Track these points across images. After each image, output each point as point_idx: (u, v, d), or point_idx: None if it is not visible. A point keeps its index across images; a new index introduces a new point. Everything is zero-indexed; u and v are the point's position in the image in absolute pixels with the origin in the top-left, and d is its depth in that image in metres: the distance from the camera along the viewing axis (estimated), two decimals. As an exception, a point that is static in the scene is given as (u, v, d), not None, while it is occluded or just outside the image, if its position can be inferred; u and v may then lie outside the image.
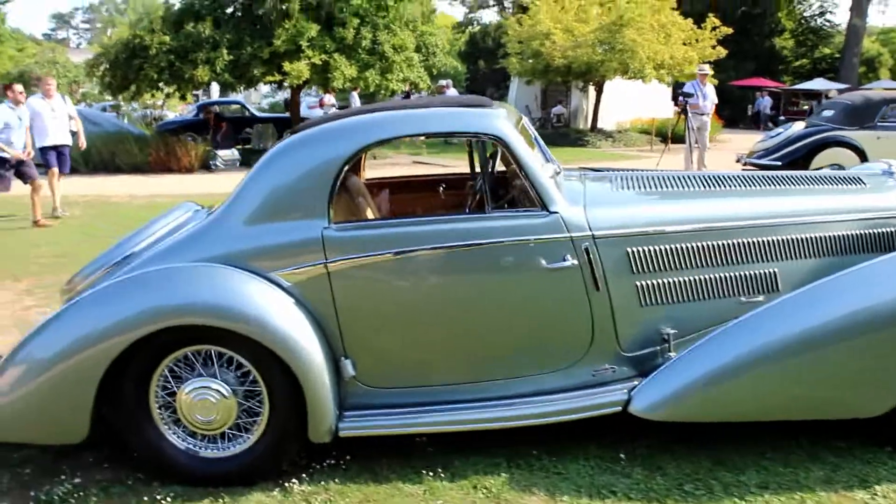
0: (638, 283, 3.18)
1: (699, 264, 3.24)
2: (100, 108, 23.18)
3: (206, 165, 15.45)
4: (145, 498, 2.96)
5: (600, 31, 19.92)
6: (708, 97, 12.22)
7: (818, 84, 31.30)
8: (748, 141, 16.98)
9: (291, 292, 3.05)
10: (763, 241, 3.29)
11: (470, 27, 45.40)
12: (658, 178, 3.64)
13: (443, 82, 22.64)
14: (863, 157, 11.01)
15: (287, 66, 14.54)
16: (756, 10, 35.54)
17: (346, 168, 3.14)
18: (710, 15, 20.59)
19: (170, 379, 3.03)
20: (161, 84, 15.55)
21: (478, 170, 4.26)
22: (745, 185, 3.59)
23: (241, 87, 16.71)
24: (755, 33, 35.22)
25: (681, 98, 12.41)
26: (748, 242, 3.28)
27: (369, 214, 3.81)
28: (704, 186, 3.57)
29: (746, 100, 32.67)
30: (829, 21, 39.43)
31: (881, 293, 3.04)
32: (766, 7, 36.05)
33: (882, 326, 2.99)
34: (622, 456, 3.16)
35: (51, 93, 9.76)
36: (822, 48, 38.54)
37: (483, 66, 38.39)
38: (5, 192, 9.06)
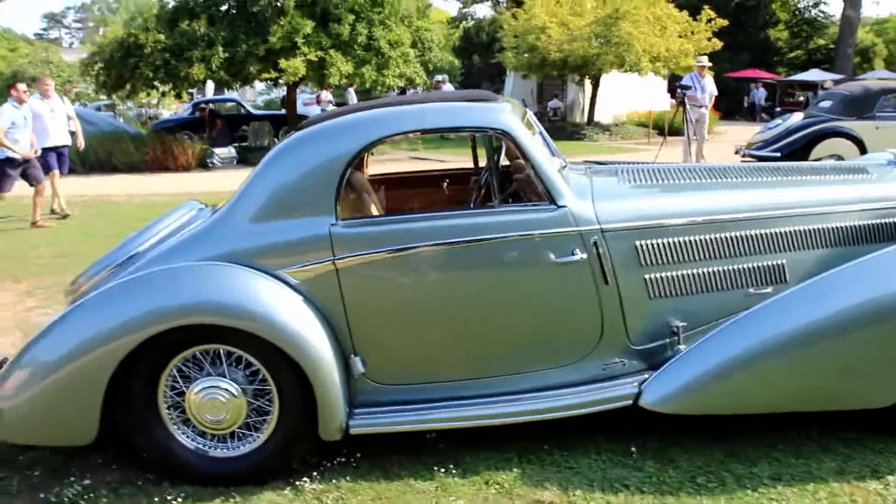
0: (647, 277, 3.17)
1: (708, 256, 3.23)
2: (94, 108, 23.07)
3: (203, 164, 15.40)
4: (156, 498, 2.95)
5: (596, 24, 19.93)
6: (706, 89, 12.19)
7: (813, 75, 31.33)
8: (744, 132, 17.00)
9: (299, 290, 3.04)
10: (771, 233, 3.29)
11: (464, 22, 45.32)
12: (664, 171, 3.63)
13: (439, 77, 22.65)
14: (861, 147, 11.01)
15: (283, 63, 14.50)
16: (750, 2, 35.52)
17: (353, 164, 3.13)
18: (705, 7, 20.57)
19: (178, 379, 3.02)
20: (156, 83, 15.50)
21: (481, 165, 4.25)
22: (751, 177, 3.58)
23: (238, 85, 16.65)
24: (749, 25, 35.22)
25: (679, 90, 12.40)
26: (756, 234, 3.27)
27: (374, 211, 3.78)
28: (711, 179, 3.56)
29: (742, 91, 32.66)
30: (823, 12, 39.45)
31: (887, 284, 3.04)
32: (760, -2, 36.08)
33: (888, 317, 3.00)
34: (633, 449, 3.15)
35: (49, 93, 9.70)
36: (817, 39, 38.55)
37: (477, 61, 38.33)
38: (7, 192, 9.02)
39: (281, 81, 16.25)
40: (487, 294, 3.11)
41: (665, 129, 15.31)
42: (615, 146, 18.95)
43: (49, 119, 9.41)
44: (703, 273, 3.23)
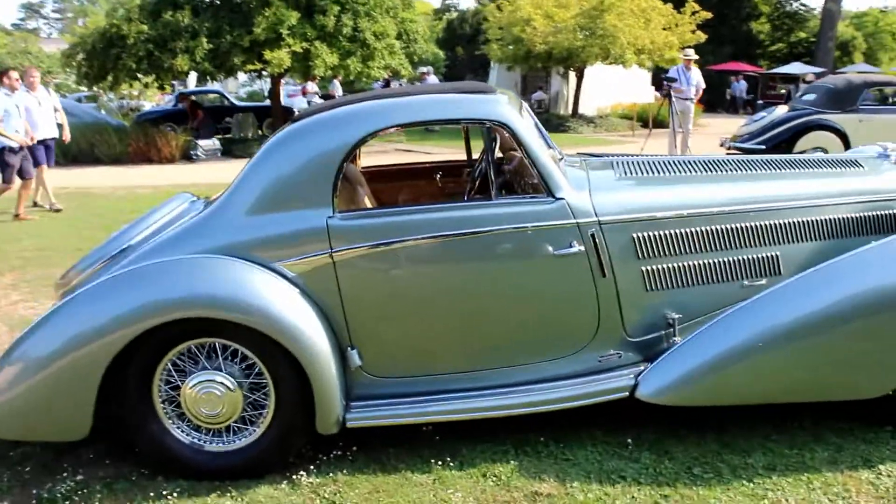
0: (643, 269, 3.18)
1: (704, 248, 3.25)
2: (74, 99, 22.75)
3: (186, 156, 15.24)
4: (151, 493, 2.93)
5: (581, 16, 19.93)
6: (692, 81, 12.24)
7: (795, 68, 31.52)
8: (727, 125, 17.10)
9: (296, 282, 3.02)
10: (765, 225, 3.31)
11: (447, 14, 45.20)
12: (660, 164, 3.64)
13: (423, 69, 22.56)
14: (845, 140, 11.12)
15: (268, 54, 14.35)
16: (733, -6, 35.69)
17: (351, 156, 3.11)
18: (689, -1, 20.65)
19: (173, 373, 2.99)
20: (140, 74, 15.29)
21: (475, 157, 4.23)
22: (748, 170, 3.60)
23: (222, 76, 16.48)
24: (732, 17, 35.39)
25: (664, 82, 12.43)
26: (751, 226, 3.29)
27: (368, 203, 3.77)
28: (707, 171, 3.57)
29: (724, 84, 32.83)
30: (804, 5, 39.70)
31: (879, 277, 3.08)
32: (743, -9, 36.24)
33: (880, 310, 3.03)
34: (630, 441, 3.17)
35: (35, 85, 9.50)
36: (798, 32, 38.80)
37: (461, 53, 38.26)
38: (12, 183, 8.89)
39: (265, 73, 16.09)
40: (485, 286, 3.10)
41: (650, 121, 15.36)
42: (599, 138, 18.99)
43: (36, 111, 9.25)
44: (699, 265, 3.25)
